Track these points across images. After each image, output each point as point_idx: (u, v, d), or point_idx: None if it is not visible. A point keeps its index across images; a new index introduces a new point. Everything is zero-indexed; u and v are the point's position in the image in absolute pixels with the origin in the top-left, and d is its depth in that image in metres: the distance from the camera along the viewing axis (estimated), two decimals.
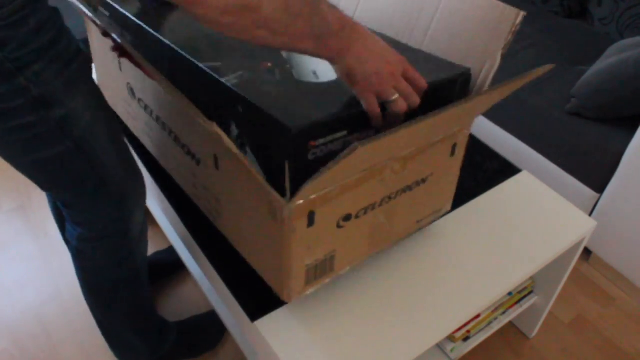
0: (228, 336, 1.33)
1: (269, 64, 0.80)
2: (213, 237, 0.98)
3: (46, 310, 1.38)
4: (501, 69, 1.58)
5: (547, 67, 0.73)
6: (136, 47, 0.94)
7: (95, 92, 0.84)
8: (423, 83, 0.71)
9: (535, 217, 1.05)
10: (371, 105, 0.68)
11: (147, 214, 1.62)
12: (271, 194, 0.70)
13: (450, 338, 1.12)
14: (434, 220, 0.98)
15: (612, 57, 1.41)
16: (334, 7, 0.63)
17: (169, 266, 1.45)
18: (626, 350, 1.34)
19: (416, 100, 0.70)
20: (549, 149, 1.47)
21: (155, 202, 1.42)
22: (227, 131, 0.79)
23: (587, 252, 1.54)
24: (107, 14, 1.01)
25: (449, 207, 0.99)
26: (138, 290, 1.07)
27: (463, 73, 0.82)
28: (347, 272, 0.93)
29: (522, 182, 1.12)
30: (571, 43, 1.70)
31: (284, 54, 0.84)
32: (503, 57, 0.83)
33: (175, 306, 1.40)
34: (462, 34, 0.87)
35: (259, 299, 0.89)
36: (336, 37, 0.63)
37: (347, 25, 0.64)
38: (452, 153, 0.90)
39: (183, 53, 0.82)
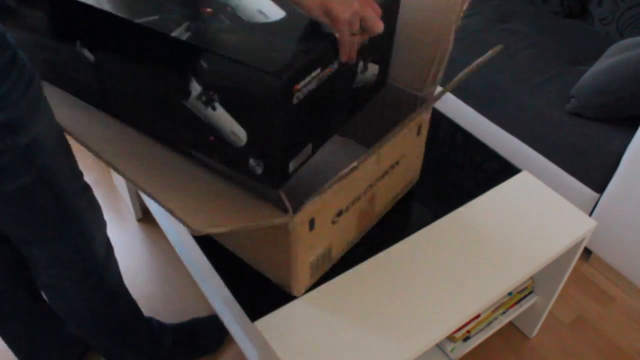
0: (228, 336, 1.32)
1: (209, 9, 0.74)
2: (213, 237, 0.98)
3: None
4: (501, 69, 1.58)
5: (497, 48, 0.77)
6: (46, 17, 0.83)
7: (52, 115, 0.78)
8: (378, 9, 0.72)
9: (535, 217, 1.05)
10: (346, 35, 0.68)
11: (147, 213, 1.62)
12: (276, 221, 0.73)
13: (450, 338, 1.12)
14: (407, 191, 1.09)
15: (612, 57, 1.41)
16: None
17: None
18: (626, 350, 1.34)
19: (381, 24, 0.71)
20: (549, 149, 1.47)
21: (154, 202, 1.41)
22: (186, 89, 0.72)
23: (587, 252, 1.54)
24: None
25: (417, 177, 1.11)
26: (120, 309, 1.04)
27: None
28: (347, 273, 0.94)
29: (522, 182, 1.12)
30: (571, 43, 1.70)
31: None
32: (454, 41, 0.88)
33: (175, 307, 1.40)
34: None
35: (259, 299, 0.89)
36: None
37: None
38: (418, 133, 0.99)
39: (110, 11, 0.72)
